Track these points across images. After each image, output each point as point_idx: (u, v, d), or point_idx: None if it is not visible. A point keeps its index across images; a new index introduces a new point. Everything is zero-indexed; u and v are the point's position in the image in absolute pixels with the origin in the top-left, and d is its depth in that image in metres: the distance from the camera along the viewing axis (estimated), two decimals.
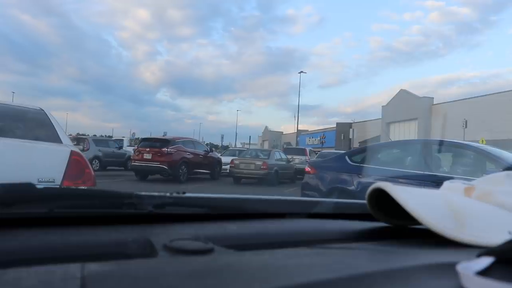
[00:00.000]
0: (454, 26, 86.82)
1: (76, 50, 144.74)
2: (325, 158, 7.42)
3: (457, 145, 5.11)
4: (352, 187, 4.89)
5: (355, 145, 32.62)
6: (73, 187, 2.21)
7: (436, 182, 4.00)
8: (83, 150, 10.37)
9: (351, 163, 5.16)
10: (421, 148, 5.01)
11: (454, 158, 4.95)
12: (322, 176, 5.38)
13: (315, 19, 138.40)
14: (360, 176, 4.86)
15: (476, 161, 4.63)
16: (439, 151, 5.03)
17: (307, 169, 5.75)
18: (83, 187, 2.31)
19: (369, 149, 5.89)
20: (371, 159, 5.13)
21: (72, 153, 2.44)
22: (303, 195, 5.55)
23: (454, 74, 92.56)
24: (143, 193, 0.57)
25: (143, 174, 12.79)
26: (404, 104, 34.71)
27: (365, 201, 0.62)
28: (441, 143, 5.26)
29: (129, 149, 17.76)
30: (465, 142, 5.48)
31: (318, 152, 19.63)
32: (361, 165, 5.02)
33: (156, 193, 0.58)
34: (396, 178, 4.41)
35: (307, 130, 54.00)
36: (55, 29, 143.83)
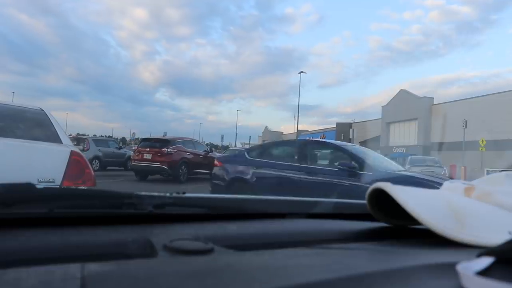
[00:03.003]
0: (454, 25, 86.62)
1: (74, 50, 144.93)
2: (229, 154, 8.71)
3: (325, 143, 6.90)
4: (248, 177, 6.16)
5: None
6: (73, 187, 2.21)
7: (309, 172, 5.66)
8: (83, 150, 10.36)
9: (248, 158, 6.42)
10: (300, 146, 6.54)
11: (325, 153, 6.36)
12: (226, 168, 6.56)
13: (314, 18, 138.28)
14: (255, 168, 6.18)
15: (338, 154, 5.91)
16: (315, 148, 6.50)
17: (216, 162, 6.92)
18: (83, 187, 2.31)
19: (263, 146, 7.44)
20: (263, 155, 6.48)
21: (72, 153, 2.44)
22: (212, 184, 6.74)
23: (454, 74, 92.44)
24: (143, 193, 0.57)
25: (143, 174, 12.78)
26: (404, 104, 34.72)
27: (365, 201, 0.62)
28: (316, 142, 7.22)
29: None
30: (331, 141, 7.12)
31: None
32: (255, 159, 6.32)
33: (156, 193, 0.58)
34: (280, 169, 5.91)
35: (307, 130, 53.98)
36: (53, 28, 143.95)
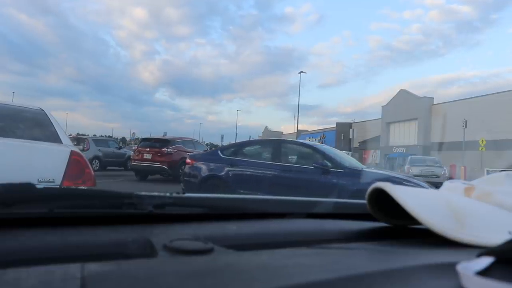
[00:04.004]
0: (454, 25, 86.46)
1: (73, 50, 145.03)
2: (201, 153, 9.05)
3: (297, 143, 7.28)
4: (223, 174, 6.39)
5: (355, 145, 32.59)
6: (73, 187, 2.21)
7: (284, 170, 6.00)
8: (83, 150, 10.34)
9: (222, 156, 6.63)
10: (273, 145, 6.77)
11: (298, 152, 6.74)
12: (200, 167, 6.75)
13: (314, 17, 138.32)
14: (229, 166, 6.40)
15: (309, 153, 6.37)
16: (288, 147, 6.85)
17: (188, 160, 7.08)
18: (83, 187, 2.31)
19: (236, 145, 7.65)
20: (238, 153, 6.70)
21: (72, 153, 2.44)
22: (184, 181, 6.89)
23: (454, 74, 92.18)
24: (143, 193, 0.57)
25: (143, 174, 12.78)
26: (404, 104, 34.69)
27: (365, 201, 0.62)
28: (289, 141, 7.43)
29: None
30: (303, 141, 7.49)
31: None
32: (230, 157, 6.55)
33: (156, 193, 0.58)
34: (255, 167, 6.23)
35: (307, 130, 53.96)
36: (52, 28, 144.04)
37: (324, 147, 6.72)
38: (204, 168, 6.66)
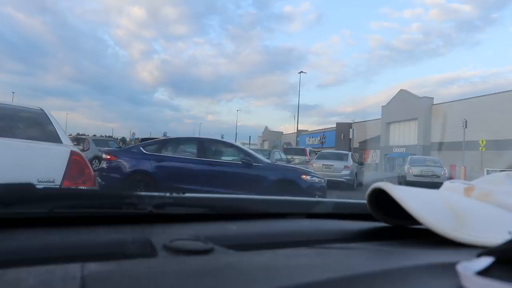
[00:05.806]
0: (454, 24, 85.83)
1: (72, 49, 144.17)
2: (121, 150, 9.14)
3: (217, 141, 7.99)
4: (149, 169, 6.63)
5: (355, 145, 32.59)
6: (73, 187, 2.21)
7: (209, 165, 6.57)
8: (83, 150, 10.33)
9: (145, 152, 6.88)
10: (196, 142, 7.33)
11: (217, 149, 7.44)
12: (121, 162, 6.82)
13: (313, 16, 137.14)
14: (153, 161, 6.70)
15: (229, 150, 7.31)
16: (208, 144, 7.36)
17: (106, 156, 7.15)
18: (83, 187, 2.32)
19: (158, 142, 7.87)
20: (162, 149, 7.08)
21: (72, 153, 2.44)
22: (102, 177, 6.79)
23: (454, 73, 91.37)
24: (143, 193, 0.57)
25: None
26: (404, 104, 34.71)
27: (365, 201, 0.62)
28: (208, 139, 7.88)
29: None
30: (222, 139, 8.43)
31: (318, 152, 19.61)
32: (153, 153, 6.86)
33: (156, 193, 0.58)
34: (180, 162, 6.74)
35: (307, 130, 53.95)
36: (50, 27, 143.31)
37: (242, 146, 7.82)
38: (126, 164, 6.73)
